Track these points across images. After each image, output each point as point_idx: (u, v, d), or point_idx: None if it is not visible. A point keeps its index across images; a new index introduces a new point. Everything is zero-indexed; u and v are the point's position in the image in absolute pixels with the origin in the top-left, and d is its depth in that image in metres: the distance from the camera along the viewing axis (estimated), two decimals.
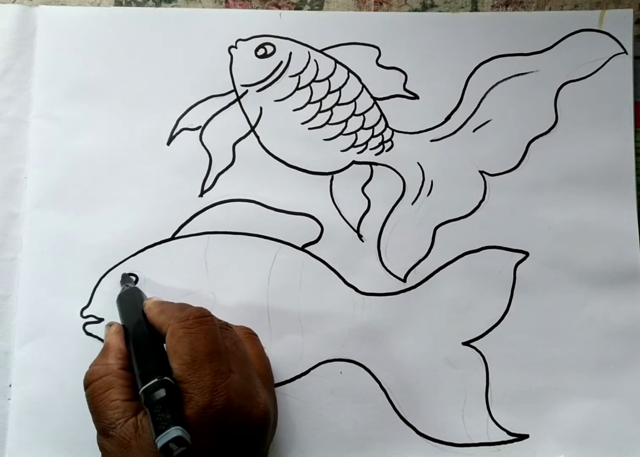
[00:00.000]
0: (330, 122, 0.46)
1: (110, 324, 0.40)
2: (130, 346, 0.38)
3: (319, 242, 0.45)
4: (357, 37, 0.47)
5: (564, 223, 0.46)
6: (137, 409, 0.35)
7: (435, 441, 0.44)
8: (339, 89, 0.47)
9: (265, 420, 0.37)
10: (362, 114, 0.46)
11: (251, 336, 0.43)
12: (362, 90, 0.47)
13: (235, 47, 0.47)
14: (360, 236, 0.46)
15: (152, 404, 0.34)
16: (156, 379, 0.34)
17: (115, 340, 0.39)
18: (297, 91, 0.46)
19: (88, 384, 0.37)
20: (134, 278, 0.44)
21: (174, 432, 0.32)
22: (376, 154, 0.46)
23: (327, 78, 0.47)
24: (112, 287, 0.45)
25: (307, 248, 0.45)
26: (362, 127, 0.46)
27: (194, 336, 0.36)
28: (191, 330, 0.36)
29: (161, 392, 0.34)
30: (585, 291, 0.45)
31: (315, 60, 0.47)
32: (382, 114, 0.46)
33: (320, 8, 0.48)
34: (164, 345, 0.37)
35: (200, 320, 0.37)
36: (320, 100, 0.46)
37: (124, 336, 0.39)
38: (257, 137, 0.46)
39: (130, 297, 0.41)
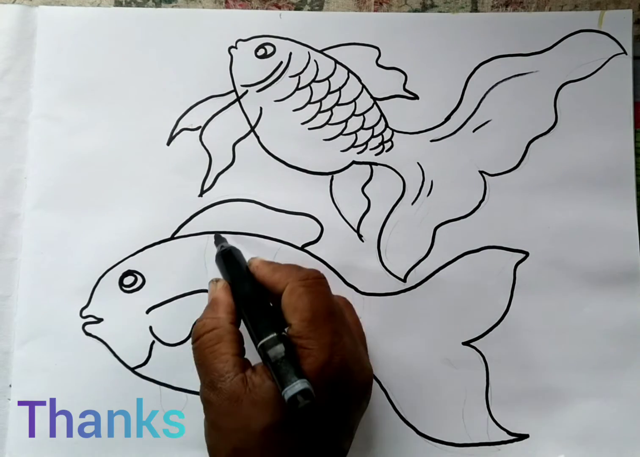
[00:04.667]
0: (330, 122, 0.46)
1: (216, 280, 0.40)
2: (240, 302, 0.38)
3: (319, 242, 0.46)
4: (357, 38, 0.47)
5: (564, 223, 0.46)
6: (244, 366, 0.35)
7: (435, 441, 0.44)
8: (339, 89, 0.47)
9: (369, 385, 0.38)
10: (362, 114, 0.46)
11: (348, 304, 0.43)
12: (362, 91, 0.47)
13: (235, 47, 0.47)
14: (360, 236, 0.46)
15: (275, 357, 0.34)
16: (275, 334, 0.35)
17: (223, 295, 0.38)
18: (297, 91, 0.46)
19: (198, 336, 0.37)
20: (226, 238, 0.44)
21: (300, 384, 0.32)
22: (376, 154, 0.46)
23: (327, 78, 0.47)
24: (111, 287, 0.45)
25: (307, 248, 0.45)
26: (362, 127, 0.46)
27: (314, 295, 0.36)
28: (311, 288, 0.37)
29: (281, 347, 0.34)
30: (585, 291, 0.45)
31: (315, 61, 0.47)
32: (382, 114, 0.47)
33: (320, 8, 0.48)
34: (271, 301, 0.38)
35: (319, 281, 0.38)
36: (320, 101, 0.46)
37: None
38: (257, 137, 0.46)
39: (234, 255, 0.41)
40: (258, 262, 0.40)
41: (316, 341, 0.35)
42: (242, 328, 0.37)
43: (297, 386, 0.32)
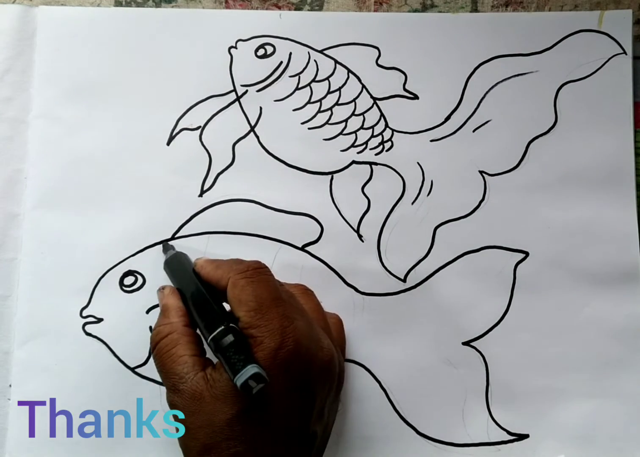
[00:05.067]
0: (330, 122, 0.46)
1: (162, 288, 0.41)
2: (189, 303, 0.39)
3: (319, 242, 0.45)
4: (357, 38, 0.47)
5: (564, 223, 0.46)
6: (204, 364, 0.36)
7: (435, 441, 0.44)
8: (339, 89, 0.47)
9: (331, 363, 0.37)
10: (362, 114, 0.46)
11: (306, 291, 0.43)
12: (362, 91, 0.47)
13: (235, 47, 0.47)
14: (360, 236, 0.46)
15: (224, 348, 0.34)
16: (223, 326, 0.35)
17: (172, 300, 0.39)
18: (297, 91, 0.46)
19: (155, 343, 0.37)
20: (173, 245, 0.45)
21: (251, 369, 0.33)
22: (376, 154, 0.46)
23: (327, 78, 0.47)
24: (111, 287, 0.45)
25: (307, 248, 0.45)
26: (362, 127, 0.46)
27: (256, 285, 0.37)
28: (253, 279, 0.37)
29: (230, 337, 0.35)
30: (585, 291, 0.45)
31: (315, 61, 0.47)
32: (382, 114, 0.47)
33: (320, 8, 0.48)
34: (222, 300, 0.38)
35: (260, 270, 0.38)
36: (320, 100, 0.46)
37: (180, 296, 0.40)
38: (257, 137, 0.46)
39: (178, 261, 0.42)
40: (202, 262, 0.40)
41: (265, 328, 0.35)
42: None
43: (248, 371, 0.33)
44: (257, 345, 0.35)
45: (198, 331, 0.38)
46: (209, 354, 0.37)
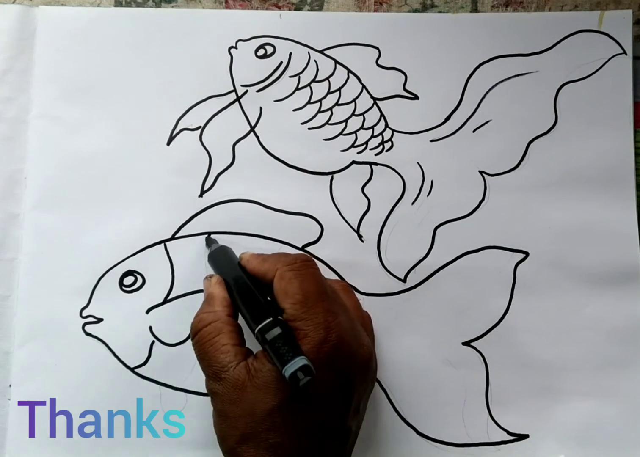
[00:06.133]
0: (330, 122, 0.46)
1: (210, 276, 0.41)
2: (235, 295, 0.39)
3: (319, 242, 0.46)
4: (357, 38, 0.47)
5: (564, 223, 0.46)
6: (246, 354, 0.36)
7: (435, 441, 0.44)
8: (339, 89, 0.47)
9: (369, 361, 0.38)
10: (362, 114, 0.46)
11: (347, 288, 0.44)
12: (362, 91, 0.47)
13: (235, 47, 0.47)
14: (360, 236, 0.46)
15: (272, 340, 0.35)
16: (270, 318, 0.35)
17: (218, 290, 0.39)
18: (297, 91, 0.46)
19: (197, 330, 0.37)
20: (216, 239, 0.45)
21: (300, 361, 0.33)
22: (376, 154, 0.46)
23: (327, 78, 0.47)
24: (111, 287, 0.45)
25: (307, 248, 0.45)
26: (362, 127, 0.46)
27: (303, 277, 0.37)
28: (300, 272, 0.38)
29: (277, 329, 0.35)
30: (585, 291, 0.45)
31: (315, 61, 0.47)
32: (382, 114, 0.47)
33: (320, 8, 0.48)
34: (267, 293, 0.38)
35: (307, 263, 0.38)
36: (320, 101, 0.46)
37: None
38: (257, 137, 0.46)
39: (223, 254, 0.42)
40: (248, 256, 0.41)
41: (310, 321, 0.35)
42: (242, 322, 0.38)
43: (297, 363, 0.33)
44: (301, 338, 0.35)
45: (239, 322, 0.38)
46: (250, 345, 0.37)
